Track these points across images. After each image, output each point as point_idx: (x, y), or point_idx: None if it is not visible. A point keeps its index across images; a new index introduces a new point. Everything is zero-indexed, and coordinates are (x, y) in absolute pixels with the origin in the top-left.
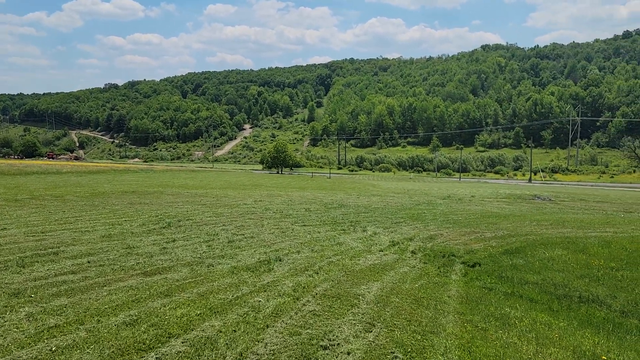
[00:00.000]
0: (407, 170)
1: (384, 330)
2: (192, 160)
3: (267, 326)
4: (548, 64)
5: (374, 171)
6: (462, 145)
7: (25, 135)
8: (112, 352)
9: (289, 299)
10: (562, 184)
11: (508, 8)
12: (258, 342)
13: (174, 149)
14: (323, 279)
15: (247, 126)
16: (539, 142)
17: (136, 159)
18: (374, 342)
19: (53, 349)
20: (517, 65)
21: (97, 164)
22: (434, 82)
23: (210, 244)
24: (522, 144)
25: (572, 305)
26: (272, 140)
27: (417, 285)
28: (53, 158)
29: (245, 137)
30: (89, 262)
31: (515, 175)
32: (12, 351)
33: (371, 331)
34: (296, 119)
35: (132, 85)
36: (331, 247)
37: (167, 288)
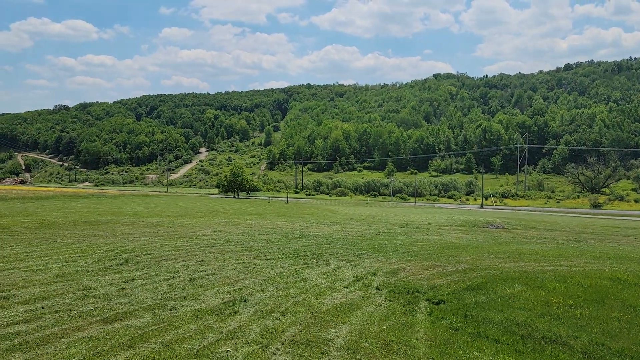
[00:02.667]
0: (364, 195)
1: None
2: (146, 184)
3: None
4: (496, 93)
5: (330, 195)
6: (416, 170)
7: None
8: None
9: (258, 347)
10: (512, 209)
11: (457, 39)
12: None
13: (126, 172)
14: (290, 322)
15: (203, 149)
16: (489, 167)
17: (86, 183)
18: None
19: None
20: (468, 93)
21: (45, 188)
22: (388, 109)
23: (170, 283)
24: (473, 170)
25: (536, 346)
26: (228, 163)
27: (385, 327)
28: None
29: (201, 161)
30: (43, 307)
31: (467, 200)
32: None
33: None
34: (253, 143)
35: (83, 107)
36: (295, 284)
37: (129, 338)
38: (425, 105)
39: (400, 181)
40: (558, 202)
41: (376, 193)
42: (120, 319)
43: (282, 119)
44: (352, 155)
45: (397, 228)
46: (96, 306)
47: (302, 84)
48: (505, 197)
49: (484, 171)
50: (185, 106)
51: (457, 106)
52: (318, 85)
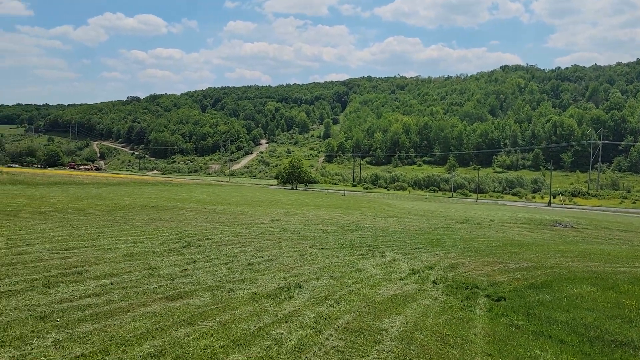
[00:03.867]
0: (423, 190)
1: None
2: (209, 174)
3: None
4: (569, 86)
5: (388, 189)
6: (479, 166)
7: (49, 144)
8: None
9: (311, 331)
10: (582, 209)
11: (527, 29)
12: None
13: (191, 161)
14: (344, 310)
15: (263, 141)
16: (559, 164)
17: (155, 171)
18: None
19: None
20: (537, 86)
21: (117, 175)
22: (451, 102)
23: (230, 267)
24: (541, 167)
25: (605, 349)
26: (287, 155)
27: (441, 321)
28: (74, 168)
29: (261, 152)
30: (112, 283)
31: (533, 197)
32: None
33: None
34: (312, 135)
35: (153, 98)
36: (350, 274)
37: (189, 315)
38: (491, 98)
39: (461, 177)
40: (634, 202)
41: (436, 188)
42: (182, 298)
43: (342, 112)
44: (412, 149)
45: (457, 223)
46: (160, 284)
47: (363, 77)
48: (576, 196)
49: (552, 168)
50: (248, 98)
51: (525, 99)
52: (379, 78)
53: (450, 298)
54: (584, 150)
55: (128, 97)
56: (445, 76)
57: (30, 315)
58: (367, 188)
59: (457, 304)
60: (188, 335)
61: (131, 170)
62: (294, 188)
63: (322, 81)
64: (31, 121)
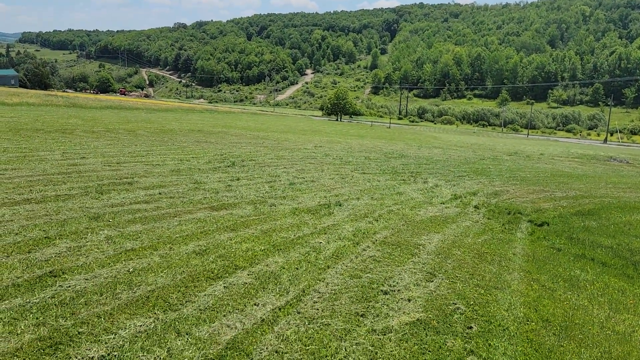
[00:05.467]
0: (471, 124)
1: (446, 281)
2: (254, 104)
3: (328, 267)
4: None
5: (435, 123)
6: (533, 100)
7: (100, 71)
8: (184, 277)
9: (349, 243)
10: None
11: None
12: (319, 281)
13: (237, 91)
14: (383, 227)
15: (309, 71)
16: (620, 100)
17: (201, 100)
18: (435, 291)
19: (130, 270)
20: (604, 15)
21: (165, 102)
22: (508, 31)
23: (272, 185)
24: (599, 102)
25: None
26: (333, 86)
27: (480, 240)
28: (125, 94)
29: (306, 83)
30: (160, 193)
31: (588, 135)
32: (94, 269)
33: (432, 281)
34: (359, 66)
35: (199, 25)
36: (391, 196)
37: (232, 223)
38: (552, 27)
39: (513, 111)
40: None
41: (485, 123)
42: (226, 209)
43: (390, 41)
44: (462, 82)
45: (505, 155)
46: (205, 197)
47: (414, 3)
48: (635, 134)
49: (612, 104)
50: (294, 26)
51: (589, 29)
52: (431, 5)
53: (491, 221)
54: None
55: (175, 24)
56: (503, 3)
57: (85, 215)
58: (413, 121)
59: (497, 227)
60: (231, 239)
61: (178, 98)
62: (339, 119)
63: (371, 8)
64: (82, 47)
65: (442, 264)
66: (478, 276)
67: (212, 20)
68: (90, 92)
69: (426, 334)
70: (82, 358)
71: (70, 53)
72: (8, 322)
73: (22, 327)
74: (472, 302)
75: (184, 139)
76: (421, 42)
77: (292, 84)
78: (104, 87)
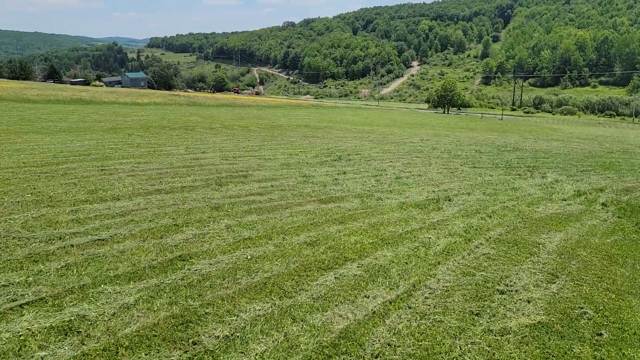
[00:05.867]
0: (596, 114)
1: (570, 283)
2: (359, 98)
3: (439, 263)
4: None
5: (554, 114)
6: None
7: (216, 71)
8: (297, 266)
9: (460, 239)
10: None
11: None
12: (430, 276)
13: (342, 86)
14: (497, 223)
15: (414, 63)
16: None
17: (307, 96)
18: (557, 294)
19: (248, 257)
20: None
21: (273, 99)
22: None
23: (378, 179)
24: None
25: None
26: (440, 78)
27: (609, 241)
28: (238, 93)
29: (412, 75)
30: (272, 186)
31: None
32: (217, 255)
33: (554, 282)
34: (468, 56)
35: (307, 23)
36: (505, 192)
37: (340, 216)
38: None
39: None
40: None
41: (613, 113)
42: (334, 202)
43: (504, 28)
44: (585, 69)
45: (637, 148)
46: (313, 189)
47: None
48: None
49: None
50: (400, 18)
51: None
52: None
53: (622, 220)
54: None
55: (284, 23)
56: None
57: (207, 205)
58: (528, 112)
59: (630, 226)
60: (339, 232)
61: (286, 95)
62: (446, 112)
63: None
64: (201, 49)
65: (565, 265)
66: (608, 280)
67: (318, 17)
68: (207, 92)
69: (549, 337)
70: (209, 336)
71: (191, 55)
72: (146, 299)
73: (158, 305)
74: (601, 307)
75: (292, 134)
76: (538, 27)
77: (397, 77)
78: (219, 87)
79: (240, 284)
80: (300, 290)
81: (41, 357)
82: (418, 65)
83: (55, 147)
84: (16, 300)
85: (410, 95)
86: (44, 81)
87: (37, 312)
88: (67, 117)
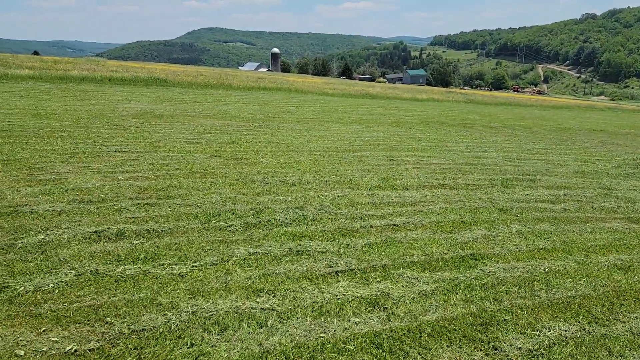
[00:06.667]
0: None
1: None
2: None
3: None
4: None
5: None
6: None
7: (496, 68)
8: (607, 291)
9: None
10: None
11: None
12: None
13: None
14: None
15: None
16: None
17: (601, 97)
18: None
19: (546, 269)
20: None
21: (558, 98)
22: None
23: None
24: None
25: None
26: None
27: None
28: (517, 91)
29: None
30: (565, 195)
31: None
32: (510, 261)
33: None
34: None
35: (612, 14)
36: None
37: None
38: None
39: None
40: None
41: None
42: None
43: None
44: None
45: None
46: (619, 205)
47: None
48: None
49: None
50: None
51: None
52: None
53: None
54: None
55: (582, 15)
56: None
57: (494, 207)
58: None
59: None
60: None
61: (575, 95)
62: None
63: None
64: (483, 46)
65: None
66: None
67: (628, 7)
68: (484, 89)
69: None
70: (511, 345)
71: (472, 52)
72: (442, 291)
73: (454, 300)
74: None
75: (584, 139)
76: None
77: None
78: (497, 84)
79: (539, 297)
80: (613, 319)
81: (355, 323)
82: None
83: (350, 136)
84: (332, 267)
85: None
86: (339, 77)
87: (349, 282)
88: (357, 109)
